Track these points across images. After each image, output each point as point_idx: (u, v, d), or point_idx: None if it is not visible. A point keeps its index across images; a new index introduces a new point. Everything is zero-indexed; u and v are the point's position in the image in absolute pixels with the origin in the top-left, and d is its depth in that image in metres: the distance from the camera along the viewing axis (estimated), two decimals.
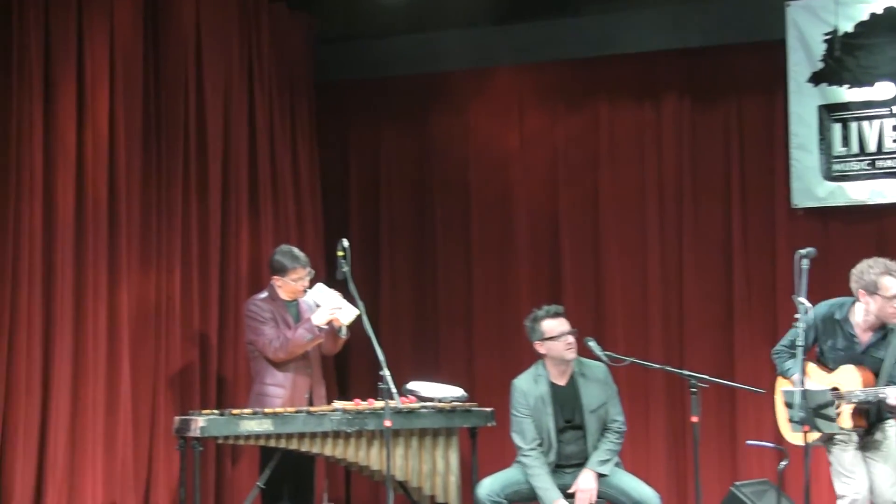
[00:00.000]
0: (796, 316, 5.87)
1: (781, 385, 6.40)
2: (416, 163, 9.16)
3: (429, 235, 9.09)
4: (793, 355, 6.11)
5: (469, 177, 9.00)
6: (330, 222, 8.97)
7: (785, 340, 6.40)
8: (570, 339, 6.66)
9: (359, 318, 6.75)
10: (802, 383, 5.83)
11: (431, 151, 9.11)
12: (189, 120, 7.84)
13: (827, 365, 6.32)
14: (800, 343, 5.86)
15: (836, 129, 8.00)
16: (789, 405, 5.92)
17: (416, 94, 9.12)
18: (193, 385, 7.68)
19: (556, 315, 6.71)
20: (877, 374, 6.19)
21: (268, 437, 6.56)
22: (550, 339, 6.65)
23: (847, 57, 7.96)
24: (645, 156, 8.61)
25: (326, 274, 7.71)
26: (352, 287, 6.63)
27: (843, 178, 7.99)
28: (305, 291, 7.09)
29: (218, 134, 8.01)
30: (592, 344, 6.59)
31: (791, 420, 5.95)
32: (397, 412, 6.65)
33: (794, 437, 6.21)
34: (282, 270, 7.07)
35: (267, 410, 6.65)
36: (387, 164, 9.22)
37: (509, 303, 8.74)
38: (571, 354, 6.67)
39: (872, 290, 6.14)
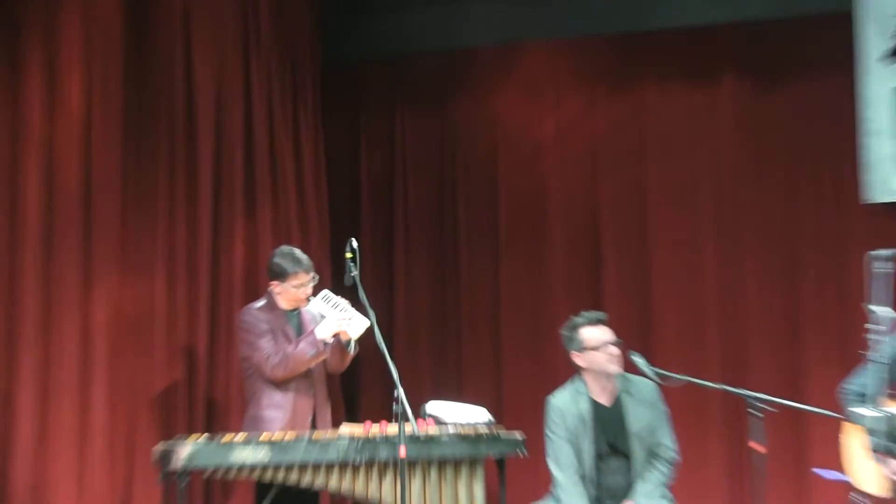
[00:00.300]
0: (867, 326, 5.54)
1: (850, 429, 6.14)
2: (436, 152, 9.01)
3: (450, 235, 8.95)
4: (862, 401, 5.86)
5: (497, 168, 8.85)
6: (337, 221, 8.78)
7: (855, 384, 6.12)
8: (614, 349, 6.27)
9: (370, 329, 6.41)
10: (885, 406, 5.59)
11: (454, 139, 8.97)
12: (176, 103, 7.54)
13: None
14: (878, 358, 5.62)
15: None
16: (870, 431, 5.55)
17: (437, 75, 8.99)
18: (179, 408, 7.39)
19: (597, 322, 6.35)
20: None
21: (264, 468, 6.11)
22: (591, 349, 6.27)
23: None
24: (698, 144, 8.46)
25: (333, 279, 7.61)
26: (362, 294, 6.25)
27: None
28: (308, 300, 6.73)
29: (209, 119, 7.73)
30: (639, 359, 6.12)
31: (873, 450, 5.59)
32: (414, 439, 6.22)
33: (871, 484, 5.97)
34: (281, 275, 6.71)
35: (263, 437, 6.23)
36: (403, 154, 9.06)
37: (542, 311, 8.58)
38: (615, 367, 6.28)
39: None
